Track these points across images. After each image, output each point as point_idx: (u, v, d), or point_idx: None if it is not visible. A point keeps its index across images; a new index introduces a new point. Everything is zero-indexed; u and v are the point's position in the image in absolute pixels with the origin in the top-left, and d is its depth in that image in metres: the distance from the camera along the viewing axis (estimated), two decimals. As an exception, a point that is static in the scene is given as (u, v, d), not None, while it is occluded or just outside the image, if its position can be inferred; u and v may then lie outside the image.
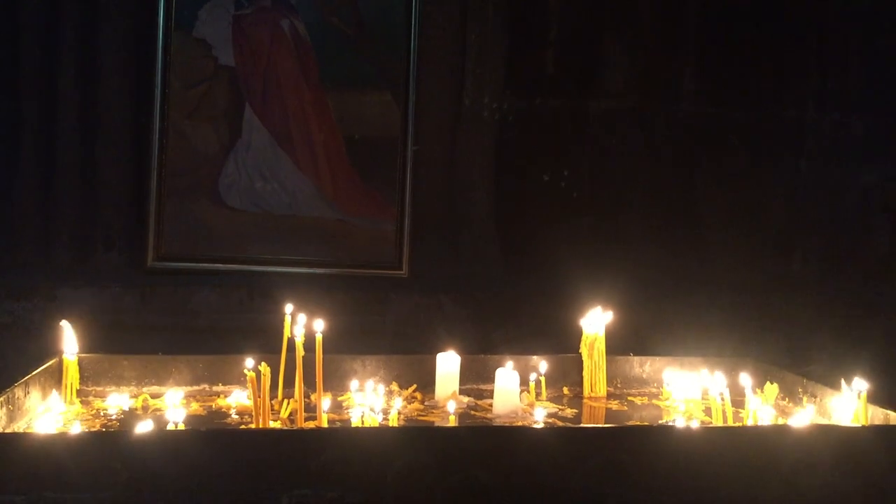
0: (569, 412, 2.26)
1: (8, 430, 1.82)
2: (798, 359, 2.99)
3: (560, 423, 2.15)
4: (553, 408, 2.28)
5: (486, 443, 1.70)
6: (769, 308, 3.18)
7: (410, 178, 3.10)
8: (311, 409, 2.07)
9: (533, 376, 2.35)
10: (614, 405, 2.36)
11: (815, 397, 2.21)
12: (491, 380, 2.28)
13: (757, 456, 1.73)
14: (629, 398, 2.43)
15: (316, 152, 3.09)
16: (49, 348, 2.24)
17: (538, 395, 2.36)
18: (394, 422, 1.97)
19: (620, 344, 2.52)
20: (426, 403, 2.27)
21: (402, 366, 2.39)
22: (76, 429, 1.89)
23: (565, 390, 2.45)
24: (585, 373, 2.43)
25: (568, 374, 2.46)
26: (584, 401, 2.39)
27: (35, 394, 2.02)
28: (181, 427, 1.82)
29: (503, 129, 3.22)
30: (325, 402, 2.03)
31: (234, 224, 3.04)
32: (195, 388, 2.29)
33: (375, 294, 3.05)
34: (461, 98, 3.19)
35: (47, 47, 2.96)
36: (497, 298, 3.11)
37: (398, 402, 2.12)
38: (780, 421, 2.11)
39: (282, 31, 3.06)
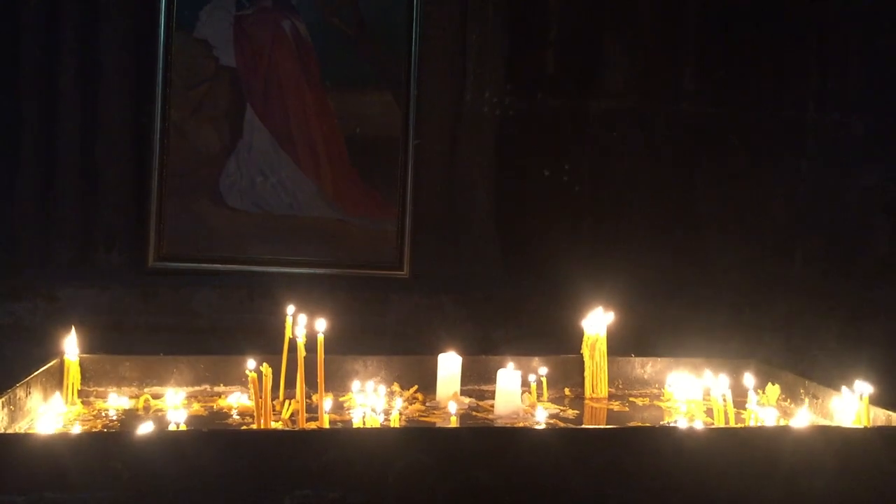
0: (570, 413, 2.26)
1: (9, 431, 1.82)
2: (799, 359, 2.99)
3: (561, 424, 2.15)
4: (554, 409, 2.28)
5: (487, 444, 1.70)
6: (770, 309, 3.18)
7: (411, 178, 3.10)
8: (312, 410, 2.06)
9: (534, 377, 2.35)
10: (616, 406, 2.36)
11: (817, 398, 2.21)
12: (492, 381, 2.28)
13: (758, 457, 1.73)
14: (631, 399, 2.43)
15: (317, 152, 3.09)
16: (50, 349, 2.24)
17: (539, 396, 2.36)
18: (395, 423, 1.96)
19: (622, 345, 2.52)
20: (427, 404, 2.27)
21: (403, 366, 2.39)
22: (77, 429, 1.89)
23: (567, 391, 2.45)
24: (587, 374, 2.43)
25: (569, 375, 2.46)
26: (586, 402, 2.39)
27: (36, 394, 2.02)
28: (182, 428, 1.82)
29: (504, 128, 3.22)
30: (327, 403, 2.02)
31: (235, 224, 3.04)
32: (196, 388, 2.29)
33: (376, 294, 3.05)
34: (462, 98, 3.19)
35: (48, 47, 2.96)
36: (498, 299, 3.11)
37: (399, 403, 2.12)
38: (782, 422, 2.11)
39: (283, 31, 3.06)
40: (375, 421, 1.90)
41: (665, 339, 2.85)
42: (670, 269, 3.25)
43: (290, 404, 2.14)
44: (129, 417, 2.07)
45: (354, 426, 1.90)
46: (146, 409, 2.15)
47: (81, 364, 2.20)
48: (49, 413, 2.00)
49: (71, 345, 2.18)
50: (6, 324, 2.86)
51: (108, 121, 3.00)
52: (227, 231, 3.03)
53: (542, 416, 2.09)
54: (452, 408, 2.08)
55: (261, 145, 3.05)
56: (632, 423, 2.19)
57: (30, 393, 1.98)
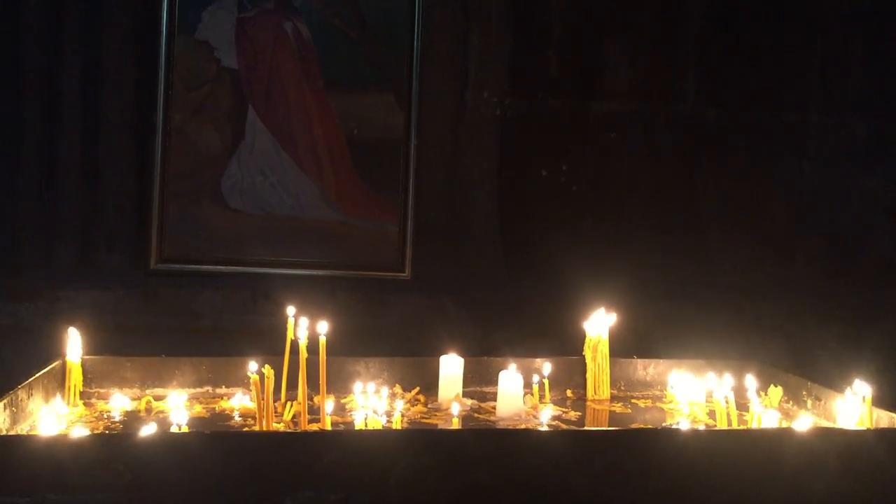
0: (572, 415, 2.26)
1: (11, 433, 1.82)
2: (801, 361, 2.99)
3: (563, 426, 2.15)
4: (556, 410, 2.28)
5: (489, 445, 1.70)
6: (772, 310, 3.18)
7: (413, 179, 3.10)
8: (314, 412, 2.06)
9: (536, 379, 2.35)
10: (618, 408, 2.36)
11: (820, 400, 2.20)
12: (494, 382, 2.28)
13: (761, 459, 1.73)
14: (633, 401, 2.43)
15: (319, 154, 3.09)
16: (52, 350, 2.24)
17: (541, 397, 2.35)
18: (397, 424, 1.96)
19: (624, 346, 2.52)
20: (429, 406, 2.27)
21: (405, 368, 2.39)
22: (79, 431, 1.89)
23: (569, 393, 2.44)
24: (589, 375, 2.43)
25: (571, 377, 2.45)
26: (588, 403, 2.39)
27: (38, 396, 2.02)
28: (184, 429, 1.82)
29: (505, 129, 3.22)
30: (329, 405, 2.02)
31: (236, 226, 3.04)
32: (198, 390, 2.29)
33: (378, 296, 3.05)
34: (463, 99, 3.19)
35: (49, 48, 2.96)
36: (500, 300, 3.11)
37: (401, 405, 2.12)
38: (784, 424, 2.10)
39: (285, 33, 3.06)
40: (377, 423, 1.90)
41: (667, 341, 2.85)
42: (671, 269, 3.25)
43: (291, 406, 2.14)
44: (131, 419, 2.07)
45: (356, 428, 1.90)
46: (148, 410, 2.15)
47: (83, 365, 2.21)
48: (51, 415, 2.00)
49: (73, 346, 2.18)
50: (7, 325, 2.86)
51: (110, 122, 3.00)
52: (229, 232, 3.03)
53: (543, 418, 2.09)
54: (454, 410, 2.08)
55: (262, 147, 3.05)
56: (634, 425, 2.18)
57: (32, 394, 1.98)
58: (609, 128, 3.28)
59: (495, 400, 2.25)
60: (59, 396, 2.11)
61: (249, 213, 3.05)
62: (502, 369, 2.26)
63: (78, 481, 1.54)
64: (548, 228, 3.23)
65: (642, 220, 3.29)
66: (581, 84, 3.27)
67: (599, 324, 2.44)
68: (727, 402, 2.08)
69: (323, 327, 2.06)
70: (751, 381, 2.23)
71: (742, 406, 2.17)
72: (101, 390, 2.25)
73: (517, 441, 1.74)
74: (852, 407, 2.00)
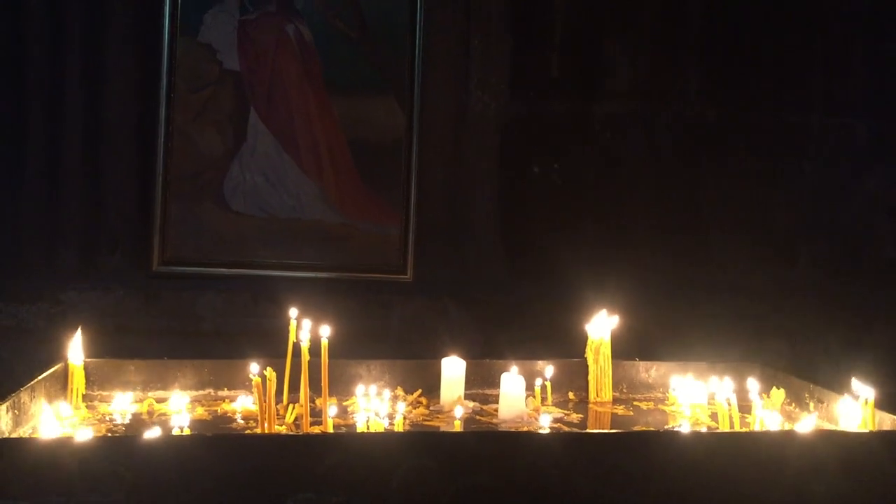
0: (574, 417, 2.26)
1: (14, 435, 1.82)
2: (803, 362, 2.98)
3: (566, 429, 2.15)
4: (558, 413, 2.28)
5: (491, 448, 1.70)
6: (775, 312, 3.17)
7: (415, 181, 3.10)
8: (316, 414, 2.06)
9: (538, 381, 2.35)
10: (620, 410, 2.36)
11: (822, 403, 2.20)
12: (496, 385, 2.28)
13: (763, 462, 1.73)
14: (635, 403, 2.43)
15: (320, 156, 3.09)
16: (54, 352, 2.24)
17: (543, 400, 2.35)
18: (399, 427, 1.96)
19: (626, 348, 2.52)
20: (431, 408, 2.27)
21: (407, 370, 2.38)
22: (82, 434, 1.89)
23: (571, 395, 2.44)
24: (591, 378, 2.42)
25: (573, 379, 2.45)
26: (590, 406, 2.39)
27: (41, 398, 2.02)
28: (186, 432, 1.82)
29: (507, 131, 3.22)
30: (331, 407, 2.02)
31: (238, 228, 3.04)
32: (200, 392, 2.29)
33: (380, 298, 3.05)
34: (465, 100, 3.19)
35: (52, 51, 2.97)
36: (502, 302, 3.11)
37: (403, 407, 2.12)
38: (787, 426, 2.10)
39: (286, 35, 3.06)
40: (379, 425, 1.90)
41: (669, 343, 2.85)
42: (673, 271, 3.25)
43: (293, 408, 2.14)
44: (134, 421, 2.07)
45: (358, 430, 1.90)
46: (150, 413, 2.15)
47: (86, 368, 2.21)
48: (53, 417, 2.00)
49: (75, 348, 2.18)
50: (10, 326, 2.87)
51: (112, 124, 3.01)
52: (231, 235, 3.03)
53: (546, 421, 2.09)
54: (456, 412, 2.08)
55: (264, 148, 3.05)
56: (636, 428, 2.18)
57: (34, 397, 1.98)
58: (611, 130, 3.28)
59: (497, 402, 2.25)
60: (62, 399, 2.11)
61: (251, 214, 3.05)
62: (504, 371, 2.26)
63: (80, 484, 1.54)
64: (549, 230, 3.23)
65: (644, 222, 3.29)
66: (582, 85, 3.27)
67: (601, 326, 2.43)
68: (729, 405, 2.08)
69: (325, 330, 2.06)
70: (753, 383, 2.22)
71: (744, 408, 2.16)
72: (104, 393, 2.25)
73: (519, 443, 1.74)
74: (854, 409, 2.00)
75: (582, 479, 1.68)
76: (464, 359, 2.31)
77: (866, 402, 1.96)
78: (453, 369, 2.29)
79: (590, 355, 2.43)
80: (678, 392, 2.42)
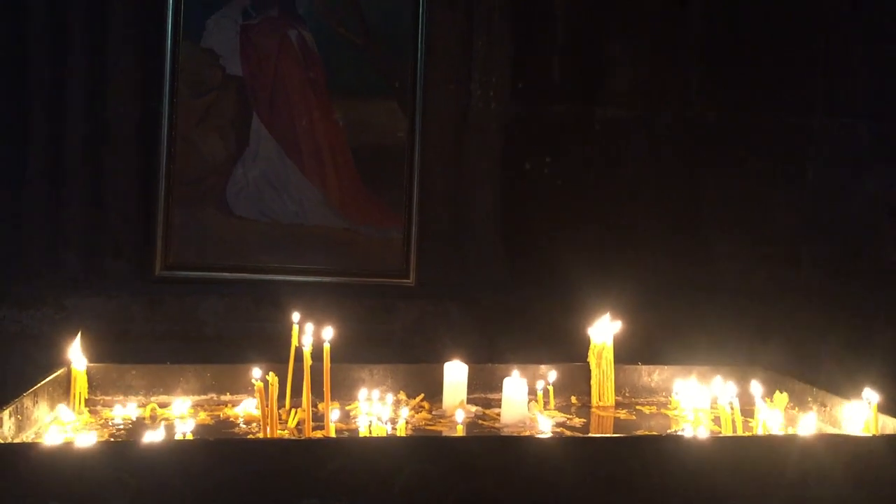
0: (577, 421, 2.26)
1: (16, 440, 1.82)
2: (806, 365, 2.98)
3: (568, 433, 2.15)
4: (561, 417, 2.27)
5: (493, 452, 1.69)
6: (777, 315, 3.17)
7: (417, 185, 3.10)
8: (318, 419, 2.06)
9: (541, 385, 2.35)
10: (623, 414, 2.35)
11: (825, 406, 2.20)
12: (498, 389, 2.28)
13: (766, 466, 1.72)
14: (638, 407, 2.42)
15: (323, 161, 3.09)
16: (57, 357, 2.25)
17: (546, 404, 2.35)
18: (401, 431, 1.96)
19: (628, 352, 2.52)
20: (434, 413, 2.27)
21: (409, 375, 2.38)
22: (84, 439, 1.89)
23: (573, 399, 2.44)
24: (593, 382, 2.42)
25: (576, 383, 2.45)
26: (593, 410, 2.39)
27: (43, 404, 2.02)
28: (189, 437, 1.82)
29: (509, 134, 3.22)
30: (333, 412, 2.02)
31: (241, 233, 3.04)
32: (203, 397, 2.29)
33: (382, 302, 3.05)
34: (467, 104, 3.19)
35: (55, 56, 2.97)
36: (504, 306, 3.11)
37: (405, 412, 2.12)
38: (790, 430, 2.10)
39: (289, 40, 3.07)
40: (381, 430, 1.90)
41: (670, 344, 2.84)
42: (674, 272, 3.25)
43: (296, 413, 2.14)
44: (136, 426, 2.08)
45: (360, 435, 1.90)
46: (153, 417, 2.15)
47: (88, 373, 2.21)
48: (56, 422, 2.00)
49: (75, 353, 2.19)
50: (13, 332, 2.87)
51: (115, 129, 3.01)
52: (234, 239, 3.04)
53: (548, 425, 2.08)
54: (459, 416, 2.08)
55: (267, 154, 3.06)
56: (639, 432, 2.18)
57: (37, 402, 1.98)
58: (614, 133, 3.28)
59: (500, 406, 2.24)
60: (64, 404, 2.12)
61: (254, 219, 3.05)
62: (507, 376, 2.26)
63: (83, 489, 1.54)
64: (552, 234, 3.23)
65: (644, 222, 3.28)
66: (586, 89, 3.27)
67: (604, 330, 2.43)
68: (732, 409, 2.07)
69: (327, 334, 2.06)
70: (756, 387, 2.22)
71: (747, 412, 2.16)
72: (107, 398, 2.25)
73: (522, 448, 1.74)
74: (858, 413, 2.00)
75: (584, 484, 1.68)
76: (466, 363, 2.31)
77: (870, 406, 1.95)
78: (456, 373, 2.29)
79: (592, 359, 2.42)
80: (681, 396, 2.41)
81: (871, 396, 1.96)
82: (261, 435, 1.95)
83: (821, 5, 3.36)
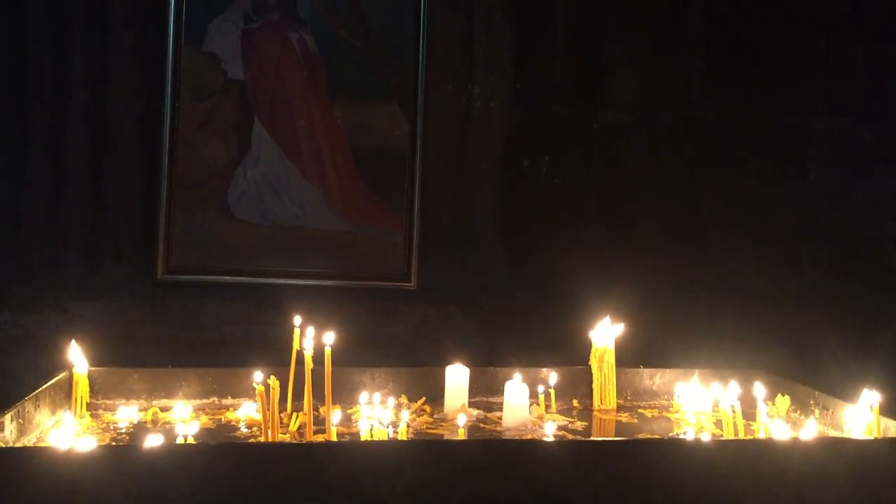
0: (578, 425, 2.26)
1: (18, 444, 1.82)
2: (808, 368, 2.98)
3: (570, 437, 2.14)
4: (563, 420, 2.27)
5: (495, 456, 1.69)
6: (778, 315, 3.16)
7: (418, 188, 3.10)
8: (320, 422, 2.06)
9: (542, 389, 2.35)
10: (624, 418, 2.35)
11: (827, 409, 2.19)
12: (500, 392, 2.28)
13: (768, 469, 1.72)
14: (639, 411, 2.42)
15: (324, 164, 3.10)
16: (59, 361, 2.25)
17: (548, 407, 2.35)
18: (403, 435, 1.96)
19: (630, 355, 2.52)
20: (435, 416, 2.27)
21: (411, 378, 2.39)
22: (86, 443, 1.89)
23: (575, 403, 2.44)
24: (595, 385, 2.42)
25: (577, 387, 2.45)
26: (594, 413, 2.39)
27: (45, 408, 2.02)
28: (191, 441, 1.83)
29: (510, 137, 3.22)
30: (335, 415, 2.03)
31: (243, 236, 3.04)
32: (204, 401, 2.30)
33: (384, 306, 3.05)
34: (468, 106, 3.19)
35: (56, 59, 2.98)
36: (506, 310, 3.10)
37: (407, 415, 2.12)
38: (792, 433, 2.09)
39: (290, 44, 3.07)
40: (383, 433, 1.90)
41: (671, 346, 2.84)
42: (675, 273, 3.24)
43: (297, 417, 2.14)
44: (138, 430, 2.08)
45: (362, 439, 1.90)
46: (154, 421, 2.15)
47: (90, 377, 2.21)
48: (58, 426, 2.00)
49: (76, 357, 2.19)
50: (15, 336, 2.87)
51: (117, 133, 3.01)
52: (236, 243, 3.04)
53: (550, 429, 2.08)
54: (460, 420, 2.08)
55: (268, 157, 3.06)
56: (640, 435, 2.18)
57: (39, 406, 1.99)
58: (615, 135, 3.28)
59: (501, 410, 2.24)
60: (66, 408, 2.12)
61: (255, 223, 3.05)
62: (508, 379, 2.26)
63: (85, 493, 1.54)
64: (552, 234, 3.23)
65: (645, 222, 3.28)
66: (587, 91, 3.27)
67: (605, 333, 2.43)
68: (734, 412, 2.07)
69: (329, 337, 2.06)
70: (758, 389, 2.22)
71: (749, 415, 2.16)
72: (108, 401, 2.25)
73: (523, 451, 1.73)
74: (860, 416, 1.99)
75: (586, 488, 1.68)
76: (468, 366, 2.31)
77: (872, 409, 1.95)
78: (457, 377, 2.29)
79: (594, 363, 2.42)
80: (682, 399, 2.41)
81: (872, 399, 1.96)
82: (262, 439, 1.95)
83: (821, 5, 3.36)
